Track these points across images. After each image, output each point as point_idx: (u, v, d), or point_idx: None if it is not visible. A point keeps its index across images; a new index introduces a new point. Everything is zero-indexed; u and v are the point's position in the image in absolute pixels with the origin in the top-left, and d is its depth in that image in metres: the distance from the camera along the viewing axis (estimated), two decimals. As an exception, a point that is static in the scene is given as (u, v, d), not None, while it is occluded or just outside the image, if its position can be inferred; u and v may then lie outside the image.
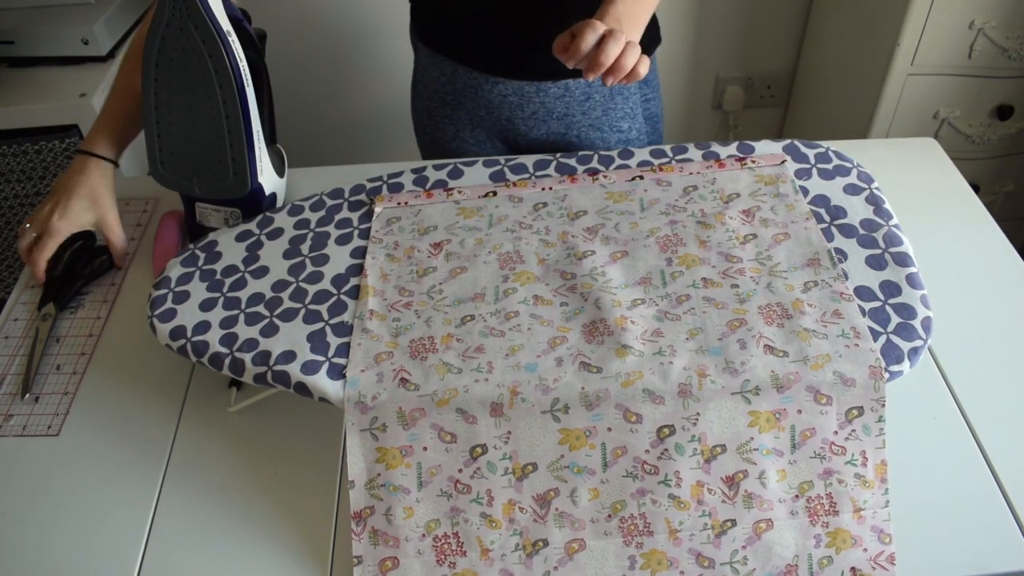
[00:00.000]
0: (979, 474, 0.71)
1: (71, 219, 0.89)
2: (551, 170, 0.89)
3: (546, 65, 0.92)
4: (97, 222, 0.91)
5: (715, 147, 0.89)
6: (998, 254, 0.90)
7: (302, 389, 0.69)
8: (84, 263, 0.92)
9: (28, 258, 0.90)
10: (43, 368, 0.84)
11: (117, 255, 0.93)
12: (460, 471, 0.66)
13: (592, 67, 0.74)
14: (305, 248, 0.82)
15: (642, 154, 0.90)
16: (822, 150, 0.87)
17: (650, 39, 1.03)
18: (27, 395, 0.81)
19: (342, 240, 0.82)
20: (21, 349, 0.86)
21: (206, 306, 0.76)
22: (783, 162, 0.86)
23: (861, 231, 0.78)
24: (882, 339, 0.68)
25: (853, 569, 0.65)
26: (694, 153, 0.89)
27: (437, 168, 0.90)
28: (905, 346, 0.68)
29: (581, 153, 0.91)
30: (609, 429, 0.65)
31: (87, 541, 0.69)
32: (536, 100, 1.03)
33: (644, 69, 0.75)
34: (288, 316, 0.74)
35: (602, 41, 0.73)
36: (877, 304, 0.71)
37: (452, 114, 1.09)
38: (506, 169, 0.90)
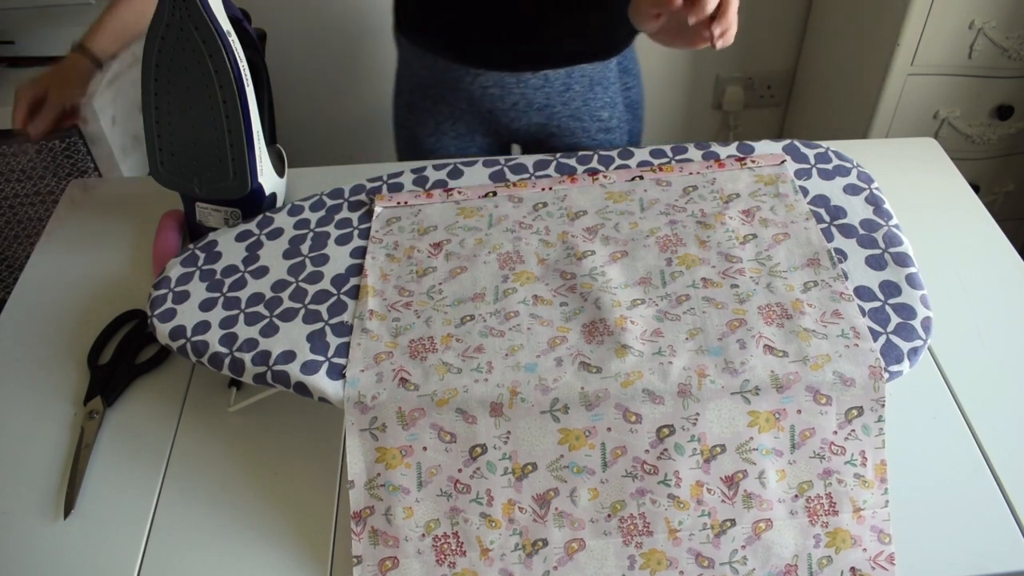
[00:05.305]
0: (979, 474, 0.71)
1: (30, 84, 0.98)
2: (551, 170, 0.89)
3: (526, 56, 0.92)
4: (58, 90, 0.98)
5: (715, 147, 0.89)
6: (998, 254, 0.90)
7: (302, 389, 0.69)
8: (135, 351, 0.83)
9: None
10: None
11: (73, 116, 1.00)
12: (460, 471, 0.66)
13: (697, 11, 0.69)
14: (305, 248, 0.82)
15: (642, 154, 0.90)
16: (822, 150, 0.87)
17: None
18: (69, 514, 0.70)
19: (342, 240, 0.82)
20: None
21: (206, 306, 0.76)
22: (783, 162, 0.86)
23: (861, 231, 0.78)
24: (882, 339, 0.68)
25: (853, 569, 0.65)
26: (694, 153, 0.89)
27: (437, 168, 0.90)
28: (905, 346, 0.68)
29: (581, 153, 0.91)
30: (609, 429, 0.65)
31: (87, 541, 0.69)
32: (516, 91, 1.03)
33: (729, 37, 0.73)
34: (288, 316, 0.74)
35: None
36: (877, 304, 0.71)
37: (434, 107, 1.09)
38: (506, 169, 0.90)
